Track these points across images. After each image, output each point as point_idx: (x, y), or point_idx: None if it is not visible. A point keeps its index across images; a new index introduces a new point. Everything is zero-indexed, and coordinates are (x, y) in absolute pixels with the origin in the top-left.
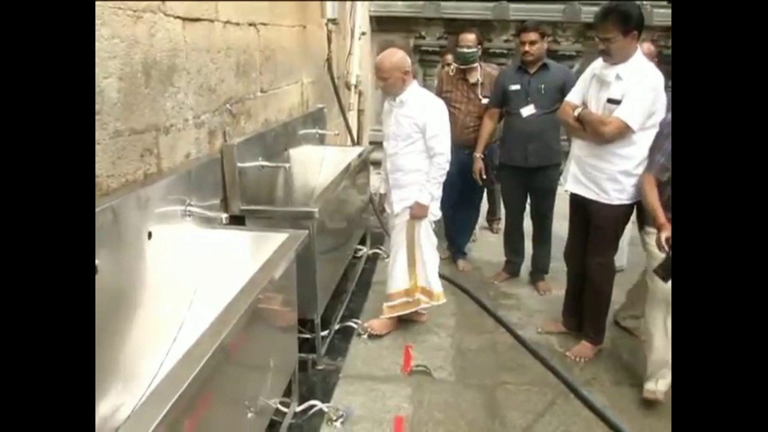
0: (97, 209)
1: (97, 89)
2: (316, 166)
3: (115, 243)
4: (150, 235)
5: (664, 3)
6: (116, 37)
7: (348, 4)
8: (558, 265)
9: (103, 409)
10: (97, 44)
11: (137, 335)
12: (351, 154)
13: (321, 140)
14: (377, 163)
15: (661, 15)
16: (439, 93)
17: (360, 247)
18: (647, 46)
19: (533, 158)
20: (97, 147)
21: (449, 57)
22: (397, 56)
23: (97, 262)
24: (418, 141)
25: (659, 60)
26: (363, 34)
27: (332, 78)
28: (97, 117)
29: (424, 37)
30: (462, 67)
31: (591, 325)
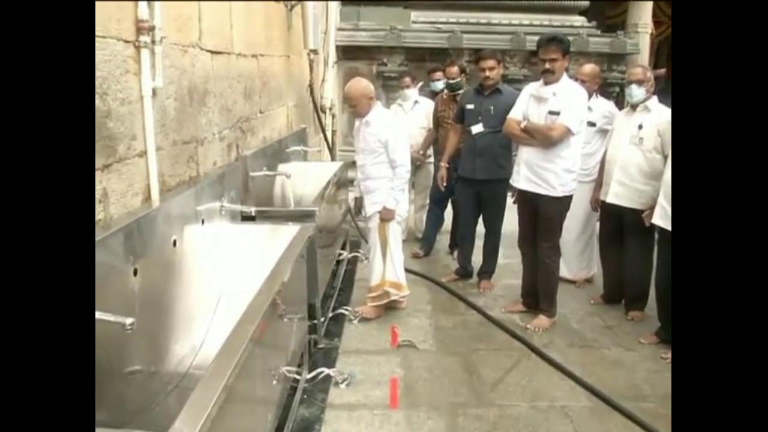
0: (172, 199)
1: (161, 107)
2: (303, 177)
3: (182, 225)
4: (203, 221)
5: (598, 33)
6: (173, 67)
7: (322, 35)
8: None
9: (178, 351)
10: (164, 72)
11: (193, 298)
12: (331, 169)
13: (305, 156)
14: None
15: (595, 43)
16: (436, 113)
17: (341, 251)
18: (591, 66)
19: (481, 171)
20: (162, 153)
21: (407, 79)
22: (362, 84)
23: (174, 237)
24: (382, 154)
25: (600, 81)
26: (336, 62)
27: (314, 101)
28: (161, 129)
29: (386, 64)
30: (452, 93)
31: (546, 301)
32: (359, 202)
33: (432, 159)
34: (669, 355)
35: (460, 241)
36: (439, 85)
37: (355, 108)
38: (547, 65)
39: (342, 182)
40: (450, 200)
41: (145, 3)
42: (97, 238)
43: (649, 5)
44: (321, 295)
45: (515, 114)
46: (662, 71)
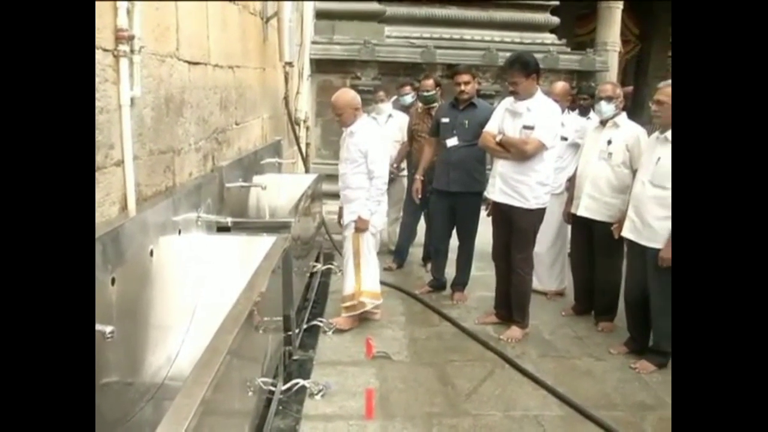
0: (149, 209)
1: (138, 117)
2: (277, 189)
3: (159, 235)
4: (180, 232)
5: (568, 50)
6: (150, 76)
7: (297, 48)
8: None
9: (154, 362)
10: (142, 81)
11: (170, 309)
12: (305, 181)
13: (279, 168)
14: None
15: (565, 60)
16: (411, 126)
17: (315, 263)
18: (562, 85)
19: (455, 184)
20: (139, 162)
21: (381, 93)
22: (350, 95)
23: (151, 247)
24: (363, 164)
25: (572, 95)
26: (310, 75)
27: (289, 113)
28: (138, 138)
29: (359, 78)
30: (426, 106)
31: (518, 312)
32: (341, 211)
33: (406, 172)
34: (638, 365)
35: (434, 254)
36: (408, 99)
37: (340, 117)
38: (511, 87)
39: (316, 194)
40: (423, 213)
41: (125, 13)
42: None
43: (618, 25)
44: (296, 306)
45: (491, 127)
46: (629, 89)
